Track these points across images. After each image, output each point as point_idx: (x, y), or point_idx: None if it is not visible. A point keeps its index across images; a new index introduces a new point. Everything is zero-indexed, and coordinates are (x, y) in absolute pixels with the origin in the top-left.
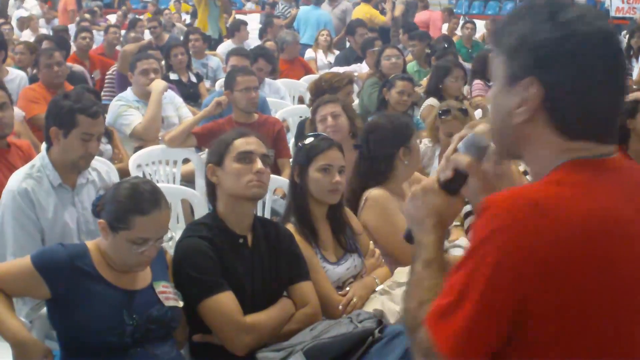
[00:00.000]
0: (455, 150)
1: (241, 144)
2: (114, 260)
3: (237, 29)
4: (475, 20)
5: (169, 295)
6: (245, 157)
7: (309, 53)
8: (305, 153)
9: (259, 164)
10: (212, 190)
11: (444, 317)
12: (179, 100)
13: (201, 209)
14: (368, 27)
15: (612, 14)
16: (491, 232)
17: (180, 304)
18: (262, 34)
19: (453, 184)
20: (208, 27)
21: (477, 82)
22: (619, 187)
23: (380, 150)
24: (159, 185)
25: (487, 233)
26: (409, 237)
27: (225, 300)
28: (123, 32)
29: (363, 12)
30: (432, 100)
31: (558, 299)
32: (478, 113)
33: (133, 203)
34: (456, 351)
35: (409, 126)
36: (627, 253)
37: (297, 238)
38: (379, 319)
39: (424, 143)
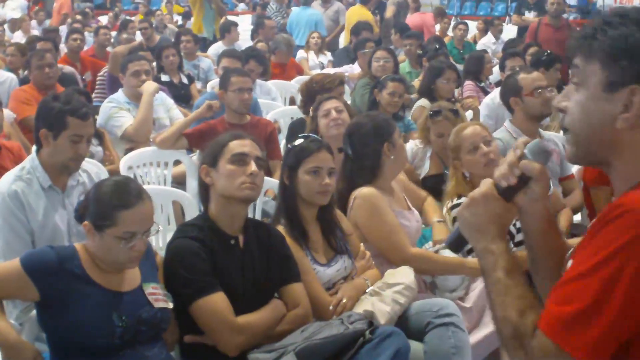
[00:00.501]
0: (521, 157)
1: (236, 145)
2: (103, 260)
3: (227, 30)
4: (467, 21)
5: (158, 296)
6: (240, 159)
7: (300, 54)
8: (294, 155)
9: (253, 166)
10: (204, 191)
11: (575, 325)
12: (170, 101)
13: (192, 211)
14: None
15: None
16: (636, 237)
17: (170, 305)
18: (253, 35)
19: (513, 190)
20: (203, 29)
21: (468, 83)
22: None
23: (366, 149)
24: (150, 187)
25: (629, 238)
26: (456, 245)
27: (217, 301)
28: (114, 33)
29: (358, 14)
30: (423, 101)
31: None
32: (469, 114)
33: (116, 198)
34: (596, 357)
35: (390, 122)
36: None
37: (288, 240)
38: (370, 320)
39: (415, 144)
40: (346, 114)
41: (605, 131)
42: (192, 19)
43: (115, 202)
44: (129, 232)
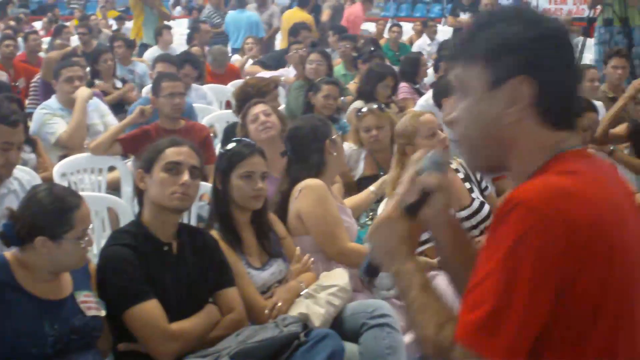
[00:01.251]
0: (416, 173)
1: (171, 153)
2: (50, 268)
3: (159, 33)
4: (402, 23)
5: (90, 304)
6: (173, 168)
7: (235, 58)
8: (227, 159)
9: (185, 176)
10: (140, 196)
11: (487, 328)
12: (104, 107)
13: (127, 217)
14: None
15: None
16: (529, 228)
17: (103, 313)
18: (189, 39)
19: (417, 206)
20: (143, 34)
21: (403, 85)
22: (604, 173)
23: (308, 149)
24: (84, 193)
25: (521, 231)
26: (371, 271)
27: (151, 309)
28: (49, 39)
29: (296, 17)
30: (358, 103)
31: (599, 281)
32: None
33: (65, 202)
34: (513, 357)
35: (326, 123)
36: (629, 234)
37: (222, 244)
38: (304, 322)
39: (350, 146)
40: (275, 116)
41: (496, 129)
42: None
43: (67, 205)
44: (85, 229)
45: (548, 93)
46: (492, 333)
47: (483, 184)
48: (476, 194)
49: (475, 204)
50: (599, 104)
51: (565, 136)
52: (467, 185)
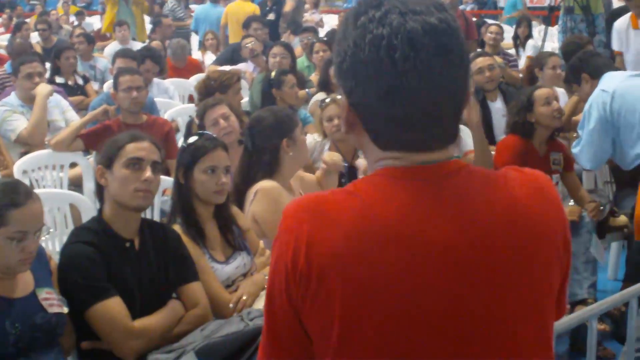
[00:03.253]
0: None
1: (132, 149)
2: None
3: (158, 23)
4: None
5: (52, 301)
6: (135, 164)
7: (196, 54)
8: (190, 154)
9: (147, 172)
10: (101, 192)
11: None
12: (65, 103)
13: (89, 214)
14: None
15: (528, 4)
16: (276, 239)
17: (65, 310)
18: (151, 33)
19: None
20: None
21: None
22: (423, 195)
23: (264, 143)
24: (45, 190)
25: (278, 235)
26: None
27: (113, 306)
28: (9, 36)
29: (243, 11)
30: (320, 95)
31: (330, 302)
32: None
33: (6, 198)
34: None
35: (292, 118)
36: (398, 264)
37: (184, 239)
38: None
39: (314, 138)
40: (234, 117)
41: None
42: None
43: (5, 201)
44: (21, 231)
45: (359, 109)
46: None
47: None
48: None
49: None
50: (561, 91)
51: (396, 155)
52: None
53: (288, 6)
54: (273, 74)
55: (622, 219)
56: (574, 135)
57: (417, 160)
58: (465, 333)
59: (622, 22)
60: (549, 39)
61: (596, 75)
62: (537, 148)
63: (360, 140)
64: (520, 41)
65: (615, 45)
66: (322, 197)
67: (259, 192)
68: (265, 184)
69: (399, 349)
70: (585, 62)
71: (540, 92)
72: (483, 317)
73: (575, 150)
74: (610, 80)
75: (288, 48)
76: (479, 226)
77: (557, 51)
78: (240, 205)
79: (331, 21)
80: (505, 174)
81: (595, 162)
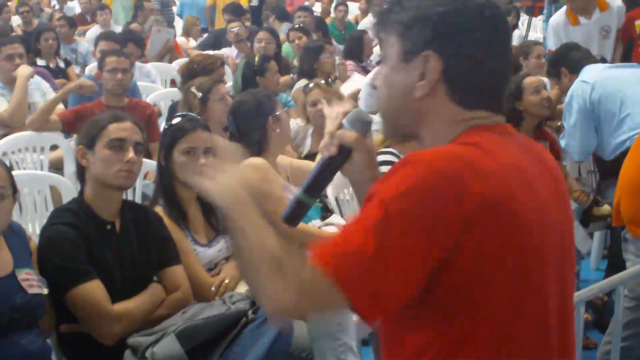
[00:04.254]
0: (339, 127)
1: (115, 129)
2: None
3: (140, 7)
4: (348, 3)
5: (32, 282)
6: (118, 145)
7: (180, 39)
8: (170, 135)
9: (130, 153)
10: (81, 173)
11: (348, 261)
12: (45, 85)
13: (69, 196)
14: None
15: None
16: (421, 181)
17: (45, 291)
18: (133, 17)
19: (336, 162)
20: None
21: (350, 63)
22: (517, 146)
23: (250, 124)
24: (26, 172)
25: (416, 181)
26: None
27: (93, 289)
28: None
29: None
30: (303, 82)
31: (486, 244)
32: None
33: None
34: (377, 310)
35: (272, 98)
36: (533, 202)
37: (166, 221)
38: (252, 299)
39: (297, 123)
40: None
41: (407, 101)
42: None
43: None
44: None
45: (457, 70)
46: (362, 273)
47: None
48: None
49: None
50: (546, 80)
51: (480, 114)
52: None
53: None
54: (256, 59)
55: (606, 208)
56: (558, 124)
57: (495, 120)
58: (560, 263)
59: (558, 19)
60: (532, 30)
61: (574, 70)
62: None
63: (431, 104)
64: None
65: (551, 44)
66: (459, 150)
67: (248, 168)
68: (254, 160)
69: (535, 278)
70: (564, 56)
71: (530, 81)
72: (566, 248)
73: (562, 142)
74: (590, 72)
75: (273, 33)
76: (549, 171)
77: (541, 41)
78: None
79: (316, 7)
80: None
81: (583, 153)
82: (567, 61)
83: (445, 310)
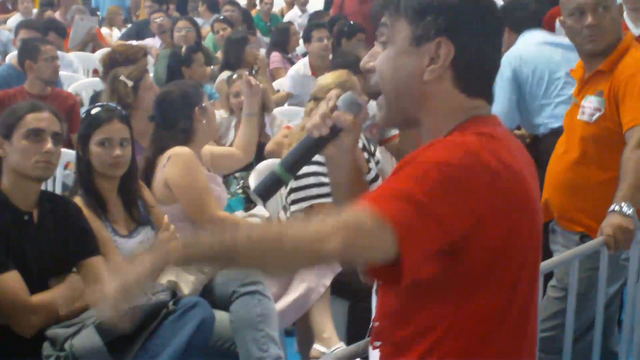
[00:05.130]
0: (333, 108)
1: (32, 119)
2: None
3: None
4: None
5: None
6: (35, 135)
7: (104, 30)
8: (86, 125)
9: (48, 144)
10: None
11: (396, 200)
12: None
13: None
14: None
15: None
16: (456, 157)
17: None
18: (48, 5)
19: (323, 142)
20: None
21: (275, 55)
22: (510, 139)
23: (178, 114)
24: None
25: (450, 157)
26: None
27: (10, 281)
28: None
29: None
30: (226, 74)
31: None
32: (276, 84)
33: None
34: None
35: (198, 88)
36: (537, 195)
37: (85, 211)
38: (173, 290)
39: (220, 114)
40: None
41: (413, 84)
42: None
43: None
44: None
45: (465, 58)
46: (398, 205)
47: (376, 158)
48: (372, 164)
49: (372, 174)
50: None
51: (480, 104)
52: (365, 155)
53: None
54: (183, 50)
55: None
56: None
57: (489, 110)
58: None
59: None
60: None
61: (516, 29)
62: None
63: (437, 89)
64: None
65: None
66: (479, 141)
67: (173, 157)
68: (178, 149)
69: (528, 253)
70: (509, 12)
71: None
72: (540, 231)
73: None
74: (527, 42)
75: (192, 22)
76: (531, 162)
77: None
78: (151, 176)
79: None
80: None
81: (505, 122)
82: (510, 18)
83: (466, 285)
